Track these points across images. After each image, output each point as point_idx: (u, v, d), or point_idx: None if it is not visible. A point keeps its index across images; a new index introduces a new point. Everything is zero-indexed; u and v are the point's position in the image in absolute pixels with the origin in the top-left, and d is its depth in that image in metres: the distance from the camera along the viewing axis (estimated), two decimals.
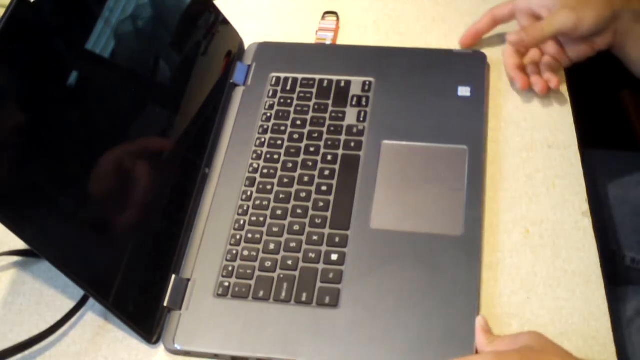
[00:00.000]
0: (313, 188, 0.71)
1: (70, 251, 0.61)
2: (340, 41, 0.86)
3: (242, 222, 0.70)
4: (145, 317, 0.64)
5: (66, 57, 0.66)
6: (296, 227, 0.69)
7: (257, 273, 0.66)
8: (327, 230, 0.68)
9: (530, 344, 0.57)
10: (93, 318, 0.67)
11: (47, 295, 0.69)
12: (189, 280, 0.67)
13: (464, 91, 0.76)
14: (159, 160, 0.72)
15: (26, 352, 0.65)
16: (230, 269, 0.67)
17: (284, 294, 0.65)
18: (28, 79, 0.61)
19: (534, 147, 0.74)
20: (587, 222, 0.69)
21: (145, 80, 0.73)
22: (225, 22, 0.83)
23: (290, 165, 0.73)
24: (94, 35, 0.68)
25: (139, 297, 0.65)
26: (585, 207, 0.70)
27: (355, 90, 0.78)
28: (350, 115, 0.76)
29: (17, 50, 0.60)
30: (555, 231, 0.68)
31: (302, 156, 0.74)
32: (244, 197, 0.72)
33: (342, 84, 0.79)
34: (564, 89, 0.78)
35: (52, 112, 0.62)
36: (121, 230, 0.66)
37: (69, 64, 0.65)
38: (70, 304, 0.67)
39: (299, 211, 0.70)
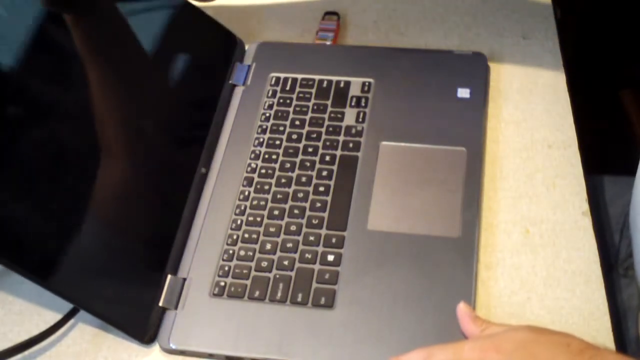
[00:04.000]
0: (311, 188, 0.71)
1: (56, 258, 0.62)
2: (341, 41, 0.86)
3: (239, 221, 0.70)
4: (138, 318, 0.65)
5: (65, 55, 0.67)
6: (293, 228, 0.69)
7: (253, 273, 0.66)
8: (323, 231, 0.68)
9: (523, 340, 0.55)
10: (93, 318, 0.67)
11: (47, 295, 0.69)
12: (185, 279, 0.67)
13: (463, 93, 0.76)
14: (156, 160, 0.72)
15: (26, 352, 0.65)
16: (226, 268, 0.67)
17: (279, 294, 0.65)
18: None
19: (534, 147, 0.74)
20: (587, 222, 0.68)
21: (144, 80, 0.74)
22: (223, 22, 0.84)
23: (288, 165, 0.73)
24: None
25: (132, 298, 0.65)
26: (585, 207, 0.69)
27: (354, 90, 0.78)
28: (349, 116, 0.76)
29: None
30: (555, 231, 0.68)
31: (300, 156, 0.74)
32: (242, 196, 0.72)
33: (342, 84, 0.79)
34: (564, 88, 0.77)
35: (48, 111, 0.63)
36: (115, 231, 0.66)
37: (68, 62, 0.66)
38: (71, 304, 0.68)
39: (296, 211, 0.70)
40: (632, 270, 0.78)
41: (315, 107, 0.77)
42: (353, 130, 0.75)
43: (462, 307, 0.61)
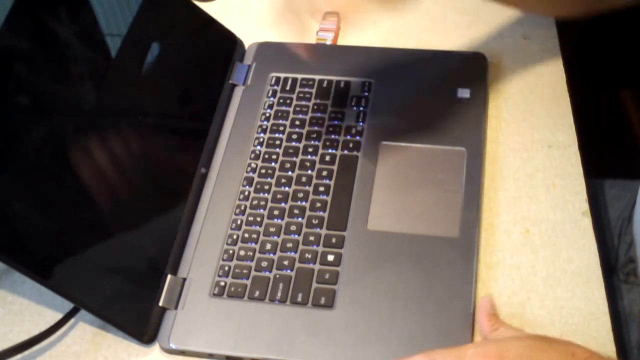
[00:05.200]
0: (311, 188, 0.71)
1: (57, 256, 0.62)
2: (341, 41, 0.86)
3: (239, 221, 0.70)
4: (138, 317, 0.65)
5: (65, 57, 0.67)
6: (293, 227, 0.69)
7: (253, 273, 0.66)
8: (323, 231, 0.68)
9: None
10: (93, 318, 0.67)
11: (47, 294, 0.69)
12: (185, 279, 0.67)
13: (463, 93, 0.76)
14: (156, 159, 0.72)
15: (26, 352, 0.65)
16: (226, 268, 0.67)
17: (279, 294, 0.65)
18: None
19: (534, 147, 0.74)
20: (587, 222, 0.68)
21: (143, 79, 0.74)
22: (223, 22, 0.84)
23: (288, 165, 0.73)
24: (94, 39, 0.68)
25: (132, 297, 0.65)
26: (585, 207, 0.69)
27: (354, 90, 0.78)
28: (349, 116, 0.76)
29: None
30: (555, 231, 0.68)
31: (300, 156, 0.74)
32: (242, 196, 0.72)
33: (342, 84, 0.79)
34: (564, 88, 0.77)
35: (49, 109, 0.63)
36: (114, 232, 0.67)
37: (67, 65, 0.66)
38: (71, 304, 0.67)
39: (296, 211, 0.70)
40: (634, 277, 0.78)
41: (315, 107, 0.77)
42: (353, 130, 0.75)
43: (484, 300, 0.61)
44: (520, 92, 0.78)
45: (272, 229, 0.69)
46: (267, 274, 0.66)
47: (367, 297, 0.64)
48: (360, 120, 0.76)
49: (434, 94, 0.77)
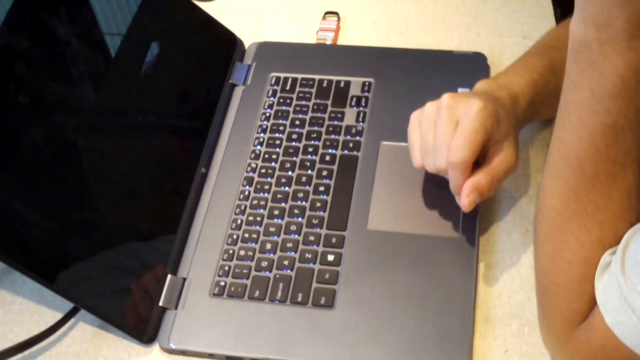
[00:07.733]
0: (311, 188, 0.71)
1: (57, 257, 0.62)
2: (341, 41, 0.86)
3: (239, 221, 0.70)
4: (138, 317, 0.65)
5: (64, 56, 0.67)
6: (293, 227, 0.69)
7: (253, 273, 0.66)
8: (324, 231, 0.68)
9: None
10: (93, 318, 0.67)
11: (47, 295, 0.69)
12: (185, 279, 0.67)
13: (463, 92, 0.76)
14: (156, 159, 0.72)
15: (26, 352, 0.65)
16: (226, 268, 0.67)
17: (279, 294, 0.65)
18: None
19: (534, 147, 0.74)
20: None
21: (143, 79, 0.74)
22: (223, 22, 0.84)
23: (288, 165, 0.73)
24: (94, 38, 0.68)
25: (132, 297, 0.65)
26: None
27: (354, 90, 0.78)
28: (349, 116, 0.76)
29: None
30: None
31: (300, 156, 0.74)
32: (242, 196, 0.72)
33: (342, 84, 0.79)
34: None
35: (51, 109, 0.63)
36: (114, 231, 0.67)
37: (67, 64, 0.66)
38: (71, 304, 0.68)
39: (296, 211, 0.70)
40: None
41: (315, 107, 0.78)
42: (353, 130, 0.75)
43: None
44: None
45: (272, 229, 0.69)
46: (267, 273, 0.66)
47: (367, 297, 0.64)
48: (360, 120, 0.76)
49: (434, 94, 0.76)
